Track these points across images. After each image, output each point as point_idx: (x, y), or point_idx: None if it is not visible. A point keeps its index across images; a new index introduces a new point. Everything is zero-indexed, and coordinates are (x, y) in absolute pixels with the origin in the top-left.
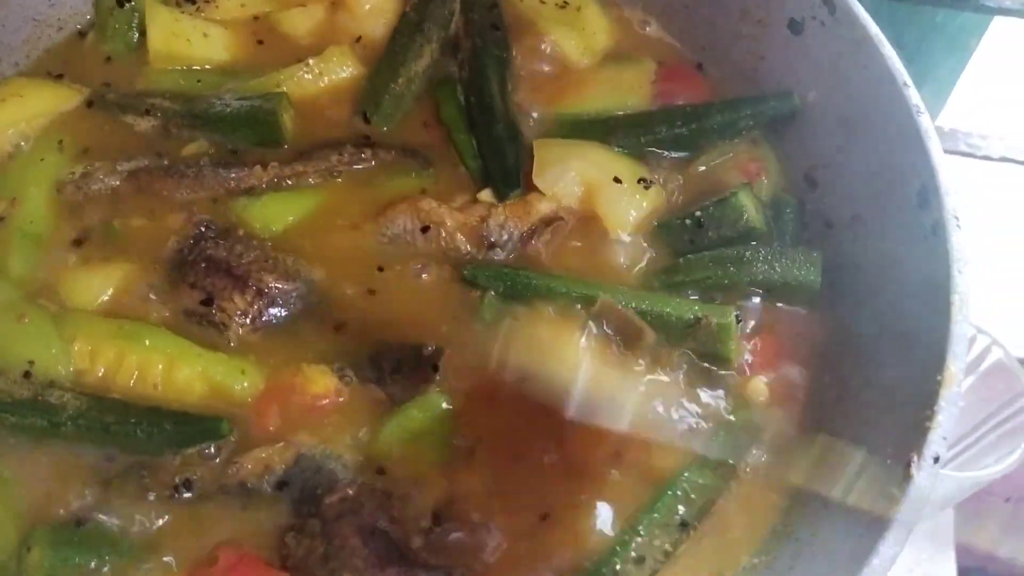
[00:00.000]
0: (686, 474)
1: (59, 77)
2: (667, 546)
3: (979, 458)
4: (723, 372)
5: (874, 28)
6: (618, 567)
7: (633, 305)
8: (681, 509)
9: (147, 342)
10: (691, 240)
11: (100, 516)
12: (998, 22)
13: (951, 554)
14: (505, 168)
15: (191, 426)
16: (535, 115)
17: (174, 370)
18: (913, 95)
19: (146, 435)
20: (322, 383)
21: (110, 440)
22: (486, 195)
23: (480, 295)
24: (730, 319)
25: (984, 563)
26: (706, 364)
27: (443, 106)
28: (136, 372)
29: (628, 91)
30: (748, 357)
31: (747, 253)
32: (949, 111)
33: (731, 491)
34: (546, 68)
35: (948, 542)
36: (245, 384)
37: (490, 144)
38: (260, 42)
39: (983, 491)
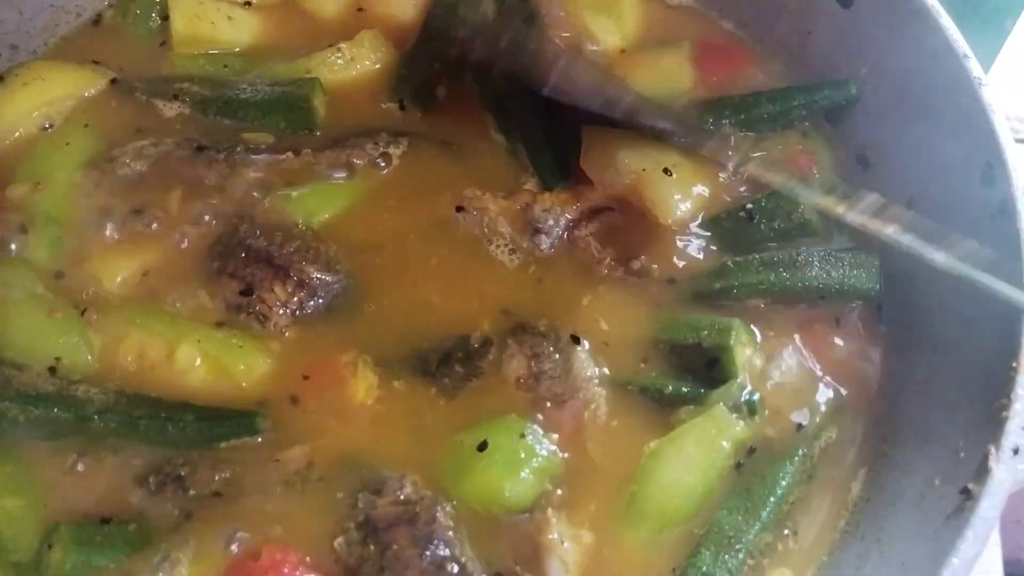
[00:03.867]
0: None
1: (81, 62)
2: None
3: None
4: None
5: None
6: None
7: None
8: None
9: (154, 326)
10: (742, 234)
11: (129, 514)
12: None
13: (997, 551)
14: (552, 159)
15: (225, 421)
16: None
17: (176, 352)
18: (975, 67)
19: (178, 430)
20: (364, 381)
21: (140, 436)
22: (531, 186)
23: None
24: (731, 343)
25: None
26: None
27: (482, 94)
28: (163, 360)
29: (670, 76)
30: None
31: (800, 257)
32: None
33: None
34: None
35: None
36: (245, 366)
37: (535, 135)
38: (285, 24)
39: None
